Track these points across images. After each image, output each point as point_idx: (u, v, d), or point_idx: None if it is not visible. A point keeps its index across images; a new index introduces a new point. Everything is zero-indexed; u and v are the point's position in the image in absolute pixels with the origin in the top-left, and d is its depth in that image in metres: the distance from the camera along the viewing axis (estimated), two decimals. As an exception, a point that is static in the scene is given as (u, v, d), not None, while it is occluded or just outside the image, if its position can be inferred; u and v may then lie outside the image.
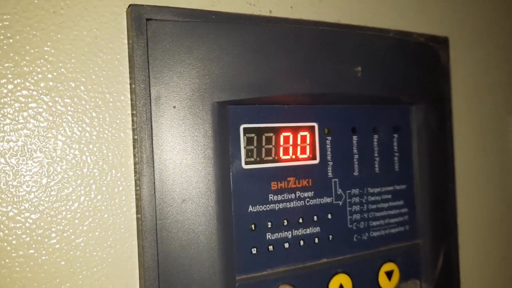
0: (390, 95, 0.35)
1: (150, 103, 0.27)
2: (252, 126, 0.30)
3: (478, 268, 0.45)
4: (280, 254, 0.30)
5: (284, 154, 0.31)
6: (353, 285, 0.33)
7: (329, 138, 0.33)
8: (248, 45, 0.29)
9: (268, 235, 0.30)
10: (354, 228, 0.34)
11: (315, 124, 0.32)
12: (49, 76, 0.26)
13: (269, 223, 0.30)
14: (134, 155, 0.27)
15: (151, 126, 0.27)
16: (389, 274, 0.35)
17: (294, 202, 0.31)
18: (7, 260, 0.24)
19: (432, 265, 0.38)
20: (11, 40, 0.25)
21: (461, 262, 0.40)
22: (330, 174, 0.33)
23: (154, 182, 0.26)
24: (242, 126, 0.29)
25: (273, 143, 0.31)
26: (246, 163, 0.29)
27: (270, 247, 0.30)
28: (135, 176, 0.27)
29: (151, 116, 0.27)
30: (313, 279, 0.32)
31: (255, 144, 0.30)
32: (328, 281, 0.32)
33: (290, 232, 0.31)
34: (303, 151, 0.32)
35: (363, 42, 0.34)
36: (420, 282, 0.37)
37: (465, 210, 0.43)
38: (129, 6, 0.27)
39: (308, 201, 0.32)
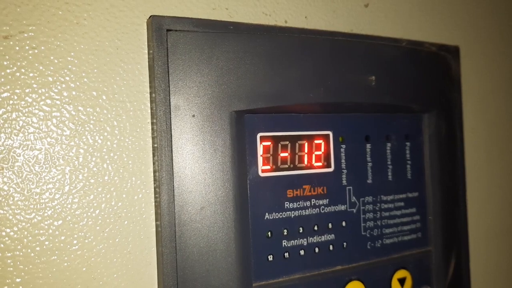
0: (402, 103, 0.36)
1: (170, 112, 0.27)
2: (269, 134, 0.30)
3: (488, 274, 0.45)
4: (295, 261, 0.31)
5: (299, 162, 0.31)
6: (366, 292, 0.34)
7: (343, 146, 0.33)
8: (265, 55, 0.30)
9: (284, 242, 0.30)
10: (368, 235, 0.34)
11: (330, 133, 0.33)
12: (72, 85, 0.26)
13: (285, 231, 0.31)
14: (154, 163, 0.28)
15: (171, 134, 0.27)
16: (401, 281, 0.36)
17: (310, 209, 0.31)
18: (31, 266, 0.25)
19: (443, 272, 0.38)
20: (36, 51, 0.25)
21: (472, 269, 0.41)
22: (344, 182, 0.33)
23: (173, 190, 0.27)
24: (259, 135, 0.30)
25: (289, 151, 0.31)
26: (263, 171, 0.30)
27: (286, 254, 0.30)
28: (154, 183, 0.28)
29: (170, 124, 0.27)
30: (328, 287, 0.32)
31: (271, 152, 0.30)
32: (343, 288, 0.33)
33: (305, 239, 0.31)
34: (318, 159, 0.32)
35: (376, 51, 0.34)
36: (432, 289, 0.37)
37: (475, 217, 0.44)
38: (150, 17, 0.27)
39: (323, 209, 0.32)
